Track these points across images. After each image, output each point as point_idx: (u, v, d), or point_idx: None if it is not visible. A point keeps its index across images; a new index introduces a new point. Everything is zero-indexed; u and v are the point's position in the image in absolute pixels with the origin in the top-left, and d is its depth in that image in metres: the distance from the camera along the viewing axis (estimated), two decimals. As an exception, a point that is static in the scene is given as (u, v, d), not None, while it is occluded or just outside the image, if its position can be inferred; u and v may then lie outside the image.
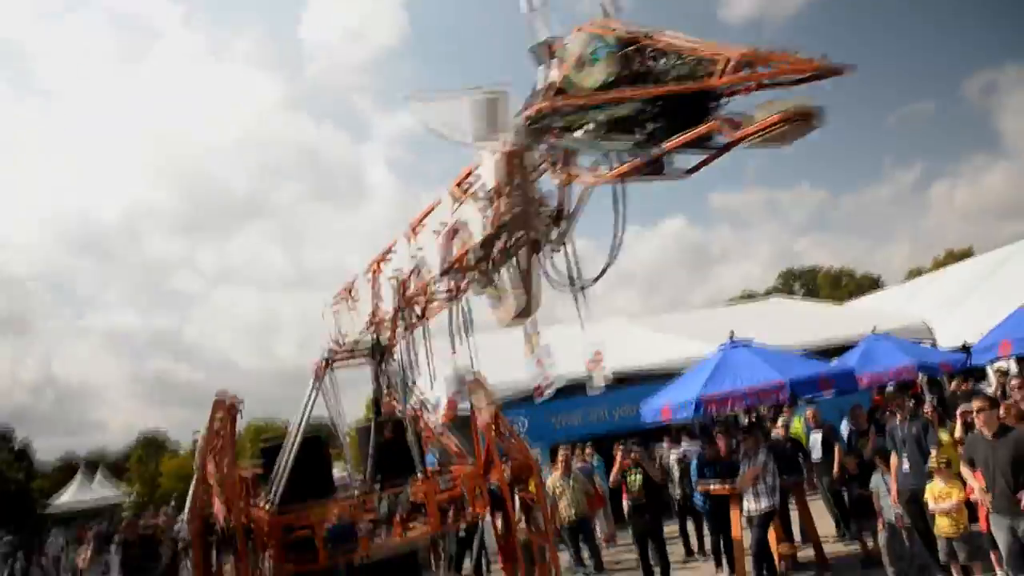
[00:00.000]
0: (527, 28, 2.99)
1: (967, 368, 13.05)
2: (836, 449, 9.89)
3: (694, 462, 10.35)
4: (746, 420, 12.42)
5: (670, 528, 10.94)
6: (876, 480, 8.48)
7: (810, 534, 9.74)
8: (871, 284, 52.04)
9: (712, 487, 9.61)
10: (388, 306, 5.00)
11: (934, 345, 16.65)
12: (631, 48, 2.73)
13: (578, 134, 2.94)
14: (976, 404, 7.05)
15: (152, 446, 56.89)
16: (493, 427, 5.67)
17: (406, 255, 4.38)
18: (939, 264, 43.70)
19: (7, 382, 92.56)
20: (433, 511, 4.82)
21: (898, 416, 8.25)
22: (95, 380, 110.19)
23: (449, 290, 4.37)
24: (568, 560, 11.98)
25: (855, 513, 9.40)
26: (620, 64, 2.72)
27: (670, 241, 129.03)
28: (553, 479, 11.55)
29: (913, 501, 7.76)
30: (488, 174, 3.22)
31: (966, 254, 42.23)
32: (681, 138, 2.75)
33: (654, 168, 2.99)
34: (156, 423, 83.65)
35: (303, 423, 5.35)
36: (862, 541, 9.53)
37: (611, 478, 10.67)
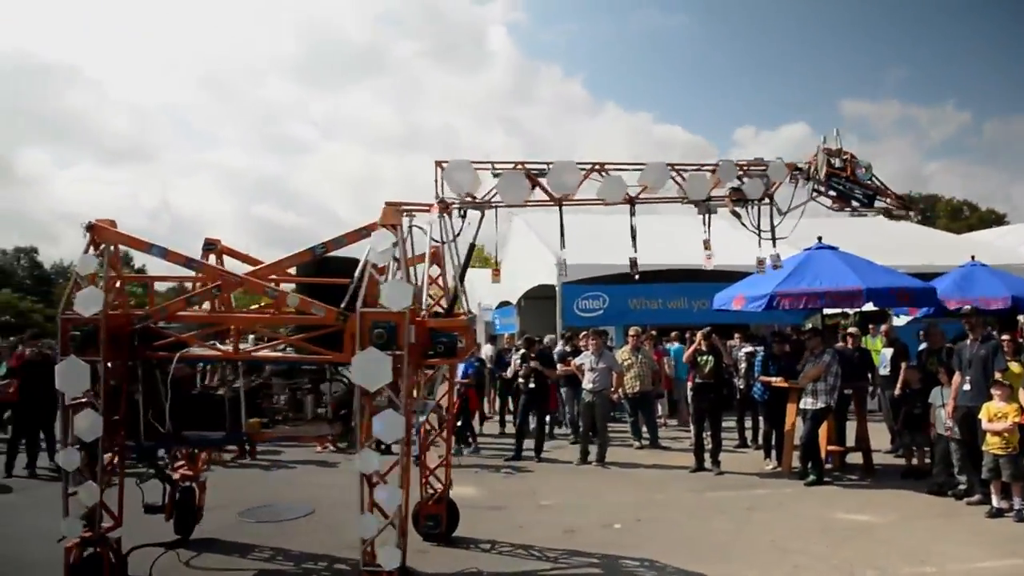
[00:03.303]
0: (836, 137, 6.53)
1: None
2: (903, 365, 10.04)
3: (759, 356, 10.72)
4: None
5: (728, 420, 11.46)
6: (935, 393, 8.72)
7: (862, 442, 10.06)
8: (995, 220, 48.90)
9: (774, 380, 10.01)
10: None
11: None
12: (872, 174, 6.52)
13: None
14: (1049, 333, 7.14)
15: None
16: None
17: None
18: (1075, 209, 40.50)
19: (129, 205, 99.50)
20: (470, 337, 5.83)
21: (970, 336, 8.35)
22: (206, 214, 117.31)
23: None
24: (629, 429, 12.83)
25: (907, 427, 9.64)
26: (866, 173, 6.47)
27: (788, 148, 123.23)
28: (623, 352, 12.24)
29: (967, 418, 7.97)
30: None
31: (1108, 202, 38.90)
32: (881, 203, 6.72)
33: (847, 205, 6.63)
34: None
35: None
36: (908, 455, 9.85)
37: (685, 355, 11.19)
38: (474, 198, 6.16)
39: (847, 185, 6.30)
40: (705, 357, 10.36)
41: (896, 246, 19.09)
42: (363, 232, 5.48)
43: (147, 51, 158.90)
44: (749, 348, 12.06)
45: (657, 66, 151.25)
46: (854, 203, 6.46)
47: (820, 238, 10.50)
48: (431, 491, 6.95)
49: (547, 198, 6.39)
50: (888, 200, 6.51)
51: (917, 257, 17.21)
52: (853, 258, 10.15)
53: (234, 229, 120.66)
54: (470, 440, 12.25)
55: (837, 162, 6.26)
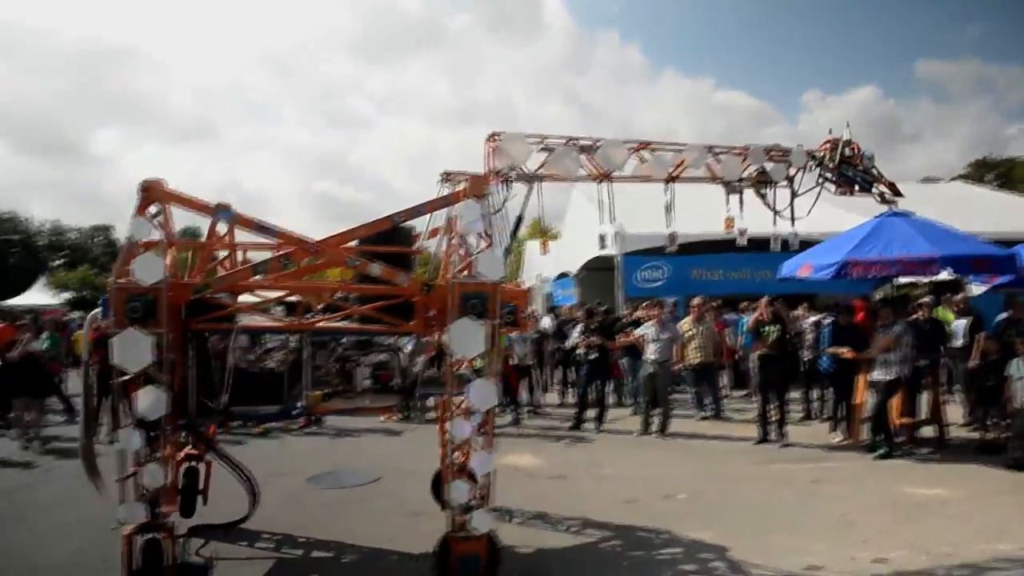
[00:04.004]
0: (847, 129, 7.09)
1: None
2: (979, 336, 9.66)
3: (827, 327, 10.44)
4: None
5: (794, 392, 11.21)
6: (1013, 365, 8.37)
7: (934, 414, 9.75)
8: (1080, 184, 46.32)
9: (842, 351, 9.74)
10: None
11: None
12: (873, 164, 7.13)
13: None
14: None
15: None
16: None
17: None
18: None
19: (196, 182, 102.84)
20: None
21: (1055, 305, 7.98)
22: (271, 191, 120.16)
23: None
24: (690, 400, 12.71)
25: (983, 400, 9.30)
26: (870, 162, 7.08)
27: (856, 112, 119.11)
28: (685, 323, 12.10)
29: (1049, 390, 7.64)
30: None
31: None
32: (876, 190, 7.22)
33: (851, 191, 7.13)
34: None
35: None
36: (984, 428, 9.50)
37: (748, 324, 10.98)
38: (524, 170, 6.25)
39: (854, 172, 7.09)
40: (769, 327, 10.14)
41: (974, 212, 18.33)
42: (444, 201, 5.45)
43: (209, 32, 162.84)
44: (815, 318, 11.78)
45: (718, 29, 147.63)
46: (856, 187, 7.19)
47: (895, 203, 10.09)
48: (445, 461, 6.99)
49: (592, 173, 6.62)
50: (882, 186, 7.29)
51: (996, 223, 16.48)
52: (928, 224, 9.74)
53: (297, 205, 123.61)
54: (516, 411, 12.34)
55: (848, 151, 7.08)
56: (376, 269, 5.11)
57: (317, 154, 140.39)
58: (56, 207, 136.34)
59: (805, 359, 11.65)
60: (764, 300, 10.37)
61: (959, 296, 11.13)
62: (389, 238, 5.63)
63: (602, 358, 11.68)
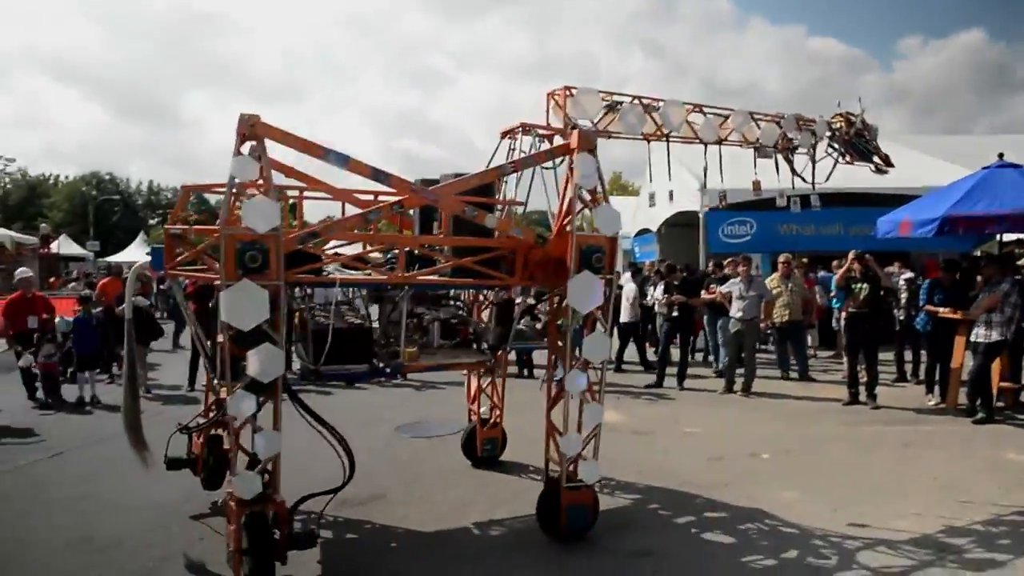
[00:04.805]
0: (859, 103, 7.97)
1: None
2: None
3: (925, 284, 9.98)
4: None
5: (886, 352, 10.84)
6: None
7: (1041, 378, 9.27)
8: None
9: (941, 311, 9.31)
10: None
11: None
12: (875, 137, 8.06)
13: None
14: None
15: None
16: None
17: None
18: None
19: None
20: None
21: None
22: (354, 149, 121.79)
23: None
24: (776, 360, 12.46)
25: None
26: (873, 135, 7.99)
27: (962, 57, 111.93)
28: (773, 279, 11.80)
29: None
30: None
31: None
32: (875, 160, 8.16)
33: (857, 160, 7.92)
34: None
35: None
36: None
37: (836, 278, 10.61)
38: (591, 125, 6.24)
39: (862, 143, 7.82)
40: (860, 284, 9.75)
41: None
42: (550, 154, 5.40)
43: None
44: (909, 275, 11.31)
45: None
46: (858, 156, 7.92)
47: (1001, 155, 9.49)
48: (479, 417, 7.02)
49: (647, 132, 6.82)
50: (878, 157, 8.04)
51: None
52: (1041, 176, 9.10)
53: (378, 163, 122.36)
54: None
55: (859, 123, 7.76)
56: (493, 220, 5.03)
57: (398, 112, 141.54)
58: (151, 168, 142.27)
59: (899, 318, 11.23)
60: (852, 254, 9.95)
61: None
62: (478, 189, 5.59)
63: (685, 315, 11.53)
